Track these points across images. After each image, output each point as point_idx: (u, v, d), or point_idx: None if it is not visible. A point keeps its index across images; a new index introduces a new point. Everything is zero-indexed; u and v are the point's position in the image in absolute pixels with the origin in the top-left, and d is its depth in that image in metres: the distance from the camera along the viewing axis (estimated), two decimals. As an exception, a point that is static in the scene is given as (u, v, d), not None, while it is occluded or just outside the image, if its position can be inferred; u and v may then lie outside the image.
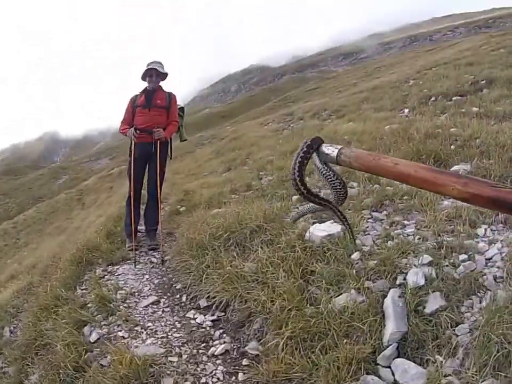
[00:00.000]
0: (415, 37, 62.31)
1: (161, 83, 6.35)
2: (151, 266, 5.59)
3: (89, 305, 4.59)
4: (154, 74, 6.16)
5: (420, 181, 0.82)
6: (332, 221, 4.26)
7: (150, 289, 4.91)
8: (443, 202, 4.55)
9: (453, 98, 10.84)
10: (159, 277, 5.22)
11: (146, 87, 6.29)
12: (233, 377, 3.18)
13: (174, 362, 3.40)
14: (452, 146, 6.28)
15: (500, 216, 4.07)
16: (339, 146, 1.53)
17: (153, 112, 6.14)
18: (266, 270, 3.80)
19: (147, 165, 6.28)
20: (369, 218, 4.46)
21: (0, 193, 47.65)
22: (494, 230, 3.91)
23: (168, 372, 3.26)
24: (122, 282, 5.12)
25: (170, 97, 6.30)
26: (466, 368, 2.54)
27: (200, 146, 19.43)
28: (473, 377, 2.45)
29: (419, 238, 3.79)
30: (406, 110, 11.03)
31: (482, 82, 11.63)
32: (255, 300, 3.56)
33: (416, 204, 4.53)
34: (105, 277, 5.34)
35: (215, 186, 7.93)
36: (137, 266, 5.56)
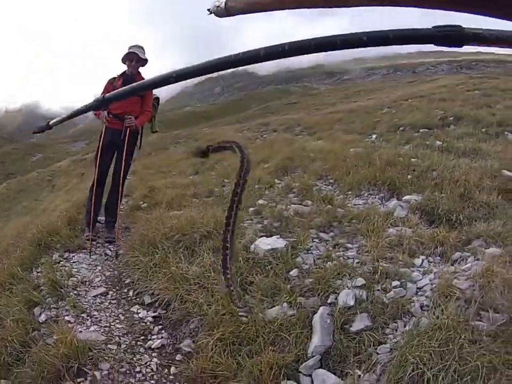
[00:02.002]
0: (398, 67, 63.62)
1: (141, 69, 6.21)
2: (105, 258, 5.70)
3: (42, 287, 4.67)
4: (135, 59, 6.03)
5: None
6: (278, 236, 4.46)
7: (100, 280, 5.04)
8: (388, 229, 4.78)
9: (420, 130, 11.19)
10: (111, 269, 5.34)
11: (125, 71, 6.16)
12: (166, 370, 3.41)
13: (112, 349, 3.58)
14: (409, 176, 6.52)
15: (438, 249, 4.32)
16: None
17: (128, 99, 5.83)
18: (208, 275, 3.99)
19: (115, 154, 6.19)
20: (315, 238, 4.64)
21: (-29, 164, 46.18)
22: (431, 262, 4.13)
23: (106, 358, 3.43)
24: (76, 270, 5.23)
25: None
26: (382, 383, 2.75)
27: (174, 144, 19.41)
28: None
29: (358, 262, 3.99)
30: (374, 136, 11.34)
31: (451, 118, 12.05)
32: (193, 302, 3.76)
33: (362, 229, 4.71)
34: (61, 262, 5.41)
35: (179, 188, 7.99)
36: (92, 257, 5.63)
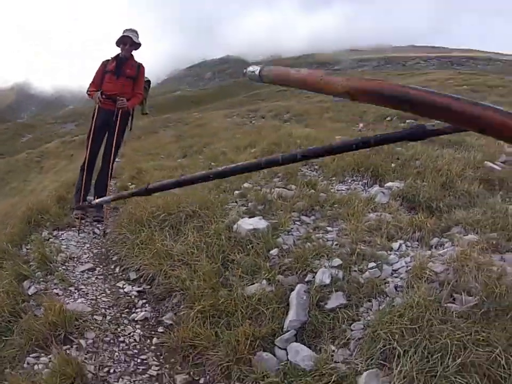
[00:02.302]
0: (389, 60, 63.80)
1: (134, 52, 6.37)
2: (93, 236, 5.85)
3: (31, 263, 4.80)
4: (128, 43, 6.17)
5: (313, 83, 0.95)
6: (260, 217, 4.61)
7: (88, 257, 5.20)
8: (369, 214, 4.91)
9: (407, 121, 11.30)
10: (99, 247, 5.50)
11: (119, 54, 6.30)
12: (148, 341, 3.59)
13: (98, 320, 3.77)
14: (393, 164, 6.65)
15: (416, 234, 4.43)
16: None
17: (121, 81, 6.18)
18: (192, 253, 4.15)
19: (106, 134, 6.31)
20: (296, 221, 4.77)
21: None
22: (409, 246, 4.23)
23: (92, 328, 3.61)
24: (65, 246, 5.37)
25: (140, 68, 6.35)
26: (355, 358, 2.91)
27: (164, 128, 19.45)
28: (358, 365, 2.82)
29: (336, 244, 4.13)
30: (361, 125, 11.51)
31: (437, 110, 12.26)
32: (177, 277, 3.93)
33: (343, 213, 4.84)
34: (50, 239, 5.53)
35: (167, 170, 8.14)
36: (80, 235, 5.78)
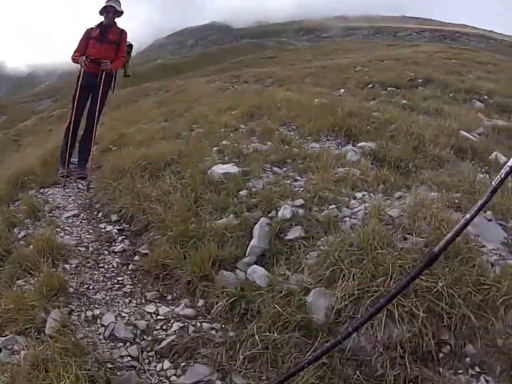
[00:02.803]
0: (379, 29, 62.94)
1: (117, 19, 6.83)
2: (78, 191, 6.23)
3: (20, 214, 5.15)
4: (111, 11, 6.66)
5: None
6: (233, 163, 4.96)
7: (73, 206, 5.58)
8: (338, 169, 5.15)
9: (388, 89, 11.62)
10: (83, 198, 5.87)
11: (102, 22, 6.78)
12: (125, 267, 3.98)
13: (81, 251, 4.20)
14: (368, 127, 6.84)
15: (380, 186, 4.67)
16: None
17: (105, 46, 6.66)
18: (169, 192, 4.54)
19: (90, 96, 6.77)
20: (268, 170, 5.09)
21: None
22: (372, 197, 4.41)
23: (75, 256, 4.03)
24: (51, 199, 5.75)
25: (122, 34, 6.83)
26: (306, 279, 3.24)
27: (145, 97, 19.50)
28: (308, 285, 3.16)
29: (302, 190, 4.45)
30: (342, 90, 11.75)
31: (420, 80, 12.50)
32: (153, 213, 4.32)
33: (313, 166, 5.09)
34: (37, 196, 5.87)
35: (148, 132, 8.46)
36: (65, 190, 6.18)
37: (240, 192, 4.39)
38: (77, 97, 6.66)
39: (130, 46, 7.22)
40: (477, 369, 2.69)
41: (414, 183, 4.72)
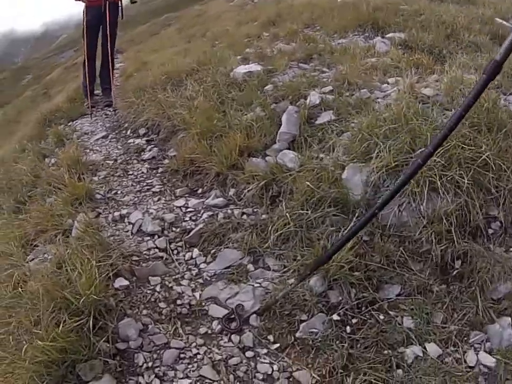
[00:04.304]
0: None
1: None
2: (105, 117, 6.16)
3: (50, 146, 5.19)
4: None
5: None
6: (256, 63, 4.74)
7: (101, 130, 5.55)
8: (368, 59, 4.89)
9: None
10: (111, 122, 5.82)
11: None
12: (154, 171, 3.96)
13: (109, 163, 4.21)
14: (396, 19, 6.45)
15: (413, 70, 4.24)
16: None
17: None
18: (194, 98, 4.38)
19: (100, 28, 6.46)
20: (294, 67, 4.83)
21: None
22: (406, 81, 4.02)
23: (104, 168, 4.07)
24: (79, 128, 5.75)
25: None
26: (341, 157, 3.11)
27: (165, 28, 19.00)
28: (343, 162, 3.04)
29: (331, 80, 4.23)
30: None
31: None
32: (179, 118, 4.21)
33: (342, 59, 4.82)
34: (65, 129, 5.85)
35: (170, 54, 8.23)
36: (93, 118, 6.11)
37: (265, 88, 4.20)
38: (86, 33, 6.37)
39: None
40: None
41: (450, 67, 4.33)
